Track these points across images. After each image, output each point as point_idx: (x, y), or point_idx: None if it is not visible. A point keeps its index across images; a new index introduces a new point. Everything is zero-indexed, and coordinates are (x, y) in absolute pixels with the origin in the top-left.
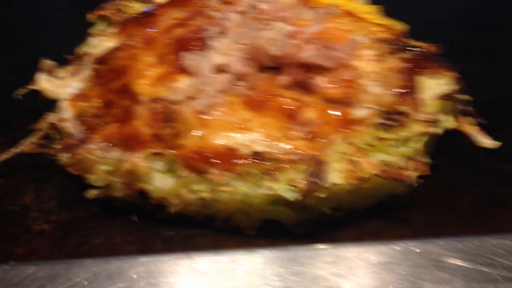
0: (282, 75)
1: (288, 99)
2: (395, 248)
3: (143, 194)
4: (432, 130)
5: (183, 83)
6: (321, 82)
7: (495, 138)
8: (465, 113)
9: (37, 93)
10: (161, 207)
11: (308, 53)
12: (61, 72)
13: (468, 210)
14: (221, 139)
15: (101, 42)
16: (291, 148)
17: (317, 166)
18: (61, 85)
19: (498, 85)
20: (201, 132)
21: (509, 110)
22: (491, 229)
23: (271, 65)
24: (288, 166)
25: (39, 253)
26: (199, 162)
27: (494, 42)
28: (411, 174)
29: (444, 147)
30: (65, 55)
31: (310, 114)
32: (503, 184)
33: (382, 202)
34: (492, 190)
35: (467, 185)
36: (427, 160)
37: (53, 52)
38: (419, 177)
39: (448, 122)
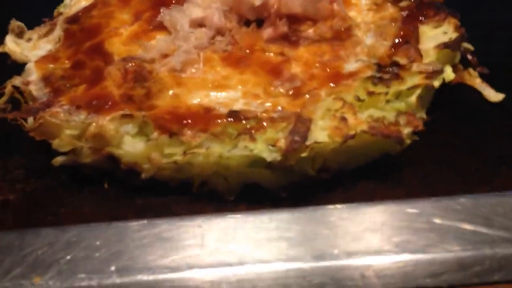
0: (266, 28)
1: (271, 54)
2: (385, 209)
3: (112, 160)
4: (429, 82)
5: (158, 40)
6: (309, 34)
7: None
8: (466, 64)
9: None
10: (133, 173)
11: (293, 2)
12: (31, 34)
13: (467, 168)
14: (196, 98)
15: (75, 1)
16: (271, 105)
17: (298, 124)
18: (30, 47)
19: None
20: (175, 91)
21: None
22: (491, 188)
23: (254, 18)
24: (267, 125)
25: (3, 224)
26: (171, 123)
27: (491, 22)
28: (403, 130)
29: (443, 102)
30: (43, 18)
31: (295, 69)
32: (507, 140)
33: (372, 161)
34: (495, 147)
35: (466, 142)
36: (422, 115)
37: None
38: (414, 133)
39: (448, 73)
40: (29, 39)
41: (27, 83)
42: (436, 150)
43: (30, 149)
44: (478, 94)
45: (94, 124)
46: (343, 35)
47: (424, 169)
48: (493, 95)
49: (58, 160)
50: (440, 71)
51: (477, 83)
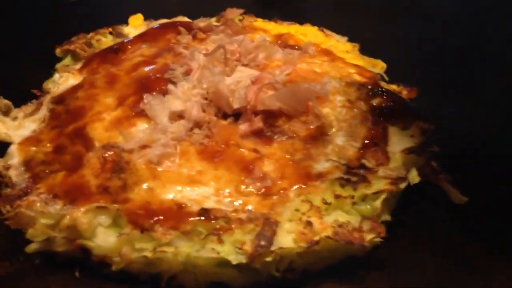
0: (242, 123)
1: (245, 150)
2: None
3: (84, 251)
4: (393, 188)
5: (139, 129)
6: (283, 130)
7: (466, 189)
8: (432, 167)
9: None
10: (104, 264)
11: (270, 101)
12: (18, 112)
13: (432, 273)
14: (170, 193)
15: (63, 79)
16: (241, 204)
17: (265, 227)
18: (15, 126)
19: (476, 130)
20: (150, 185)
21: (484, 161)
22: None
23: (231, 112)
24: (235, 226)
25: None
26: (144, 219)
27: (478, 79)
28: (366, 236)
29: (409, 201)
30: (33, 90)
31: (267, 167)
32: (471, 244)
33: (339, 262)
34: (460, 251)
35: (432, 244)
36: (386, 217)
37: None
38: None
39: (413, 176)
40: (15, 118)
41: (8, 168)
42: (401, 251)
43: (4, 231)
44: (444, 193)
45: (68, 216)
46: (315, 133)
47: (389, 271)
48: (457, 197)
49: (32, 247)
50: (404, 178)
51: (443, 183)
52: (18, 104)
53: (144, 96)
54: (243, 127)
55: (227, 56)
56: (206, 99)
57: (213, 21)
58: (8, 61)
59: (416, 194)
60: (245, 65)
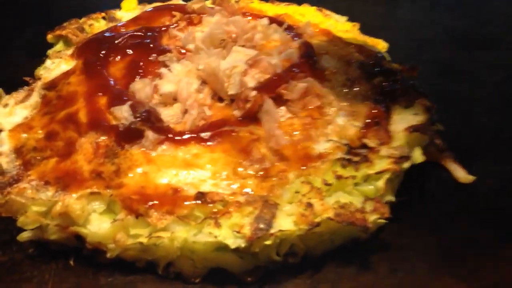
0: (239, 105)
1: (242, 132)
2: None
3: (78, 238)
4: (396, 167)
5: None
6: (281, 111)
7: (469, 170)
8: (437, 145)
9: None
10: (98, 251)
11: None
12: (8, 99)
13: (436, 254)
14: (165, 178)
15: (55, 65)
16: (239, 187)
17: (264, 210)
18: (6, 113)
19: (479, 111)
20: (145, 169)
21: (488, 140)
22: (460, 277)
23: (227, 97)
24: (233, 209)
25: None
26: (139, 204)
27: (480, 61)
28: (369, 217)
29: (413, 181)
30: (24, 77)
31: (265, 149)
32: (476, 224)
33: (341, 245)
34: (464, 232)
35: (435, 225)
36: (390, 198)
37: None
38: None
39: (417, 156)
40: (6, 105)
41: None
42: (405, 233)
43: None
44: (449, 173)
45: (60, 203)
46: (315, 114)
47: (391, 254)
48: (463, 176)
49: (24, 236)
50: (407, 157)
51: (448, 163)
52: (9, 92)
53: (136, 80)
54: (240, 107)
55: (223, 37)
56: (202, 80)
57: (208, 3)
58: None
59: (420, 174)
60: (242, 46)
